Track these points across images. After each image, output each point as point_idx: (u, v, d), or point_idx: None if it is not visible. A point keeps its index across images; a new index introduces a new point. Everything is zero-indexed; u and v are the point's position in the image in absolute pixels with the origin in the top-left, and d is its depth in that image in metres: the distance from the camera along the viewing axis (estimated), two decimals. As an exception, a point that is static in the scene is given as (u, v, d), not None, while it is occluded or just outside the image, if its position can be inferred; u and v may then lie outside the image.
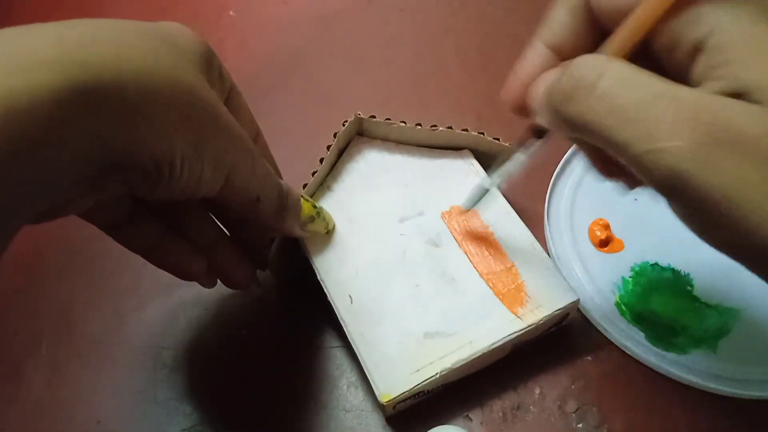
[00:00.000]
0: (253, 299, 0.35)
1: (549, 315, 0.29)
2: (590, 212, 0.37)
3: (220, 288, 0.31)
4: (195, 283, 0.36)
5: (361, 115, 0.33)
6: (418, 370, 0.28)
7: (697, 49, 0.19)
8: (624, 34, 0.20)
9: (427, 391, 0.29)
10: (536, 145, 0.25)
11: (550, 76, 0.21)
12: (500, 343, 0.28)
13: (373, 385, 0.28)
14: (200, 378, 0.33)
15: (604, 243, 0.35)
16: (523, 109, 0.23)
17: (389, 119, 0.34)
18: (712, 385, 0.30)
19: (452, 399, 0.30)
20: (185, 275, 0.29)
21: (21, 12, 0.52)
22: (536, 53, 0.23)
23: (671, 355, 0.31)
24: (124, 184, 0.21)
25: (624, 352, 0.32)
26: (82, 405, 0.32)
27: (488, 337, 0.28)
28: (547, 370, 0.32)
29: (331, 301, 0.30)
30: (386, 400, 0.27)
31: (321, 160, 0.32)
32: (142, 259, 0.28)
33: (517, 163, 0.27)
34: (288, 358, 0.33)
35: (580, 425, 0.30)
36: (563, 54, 0.23)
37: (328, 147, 0.32)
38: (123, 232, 0.27)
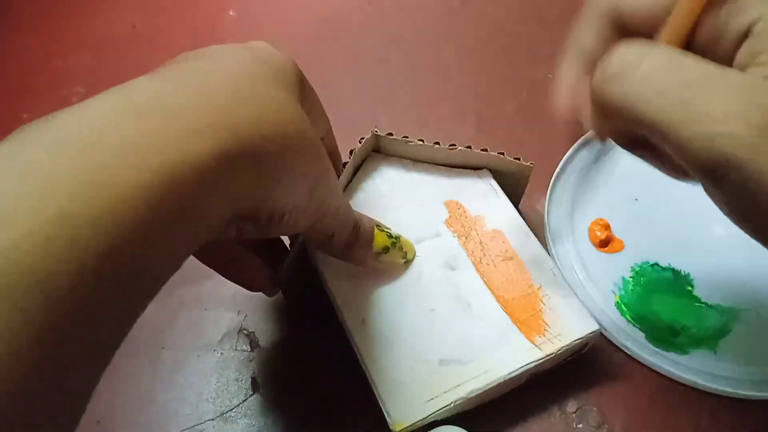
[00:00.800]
0: (254, 300, 0.35)
1: (568, 345, 0.28)
2: (590, 212, 0.37)
3: (220, 288, 0.31)
4: (195, 283, 0.36)
5: (378, 132, 0.33)
6: (431, 399, 0.27)
7: (743, 37, 0.18)
8: (672, 26, 0.19)
9: (440, 420, 0.27)
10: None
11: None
12: (517, 372, 0.27)
13: (385, 413, 0.27)
14: (201, 378, 0.33)
15: (605, 243, 0.35)
16: (574, 120, 0.23)
17: (407, 137, 0.33)
18: (712, 385, 0.30)
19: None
20: (254, 287, 0.29)
21: (21, 11, 0.52)
22: (570, 69, 0.23)
23: (672, 356, 0.31)
24: (236, 232, 0.21)
25: (624, 352, 0.32)
26: (82, 405, 0.32)
27: (505, 366, 0.27)
28: (547, 370, 0.32)
29: (343, 323, 0.29)
30: (398, 429, 0.26)
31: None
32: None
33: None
34: (289, 359, 0.33)
35: (580, 425, 0.30)
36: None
37: (344, 164, 0.31)
38: (206, 251, 0.26)
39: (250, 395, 0.32)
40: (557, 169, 0.38)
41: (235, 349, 0.34)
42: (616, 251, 0.35)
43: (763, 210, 0.17)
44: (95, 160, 0.15)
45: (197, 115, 0.17)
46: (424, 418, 0.26)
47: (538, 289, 0.30)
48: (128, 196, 0.15)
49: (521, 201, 0.36)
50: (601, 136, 0.23)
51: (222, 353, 0.34)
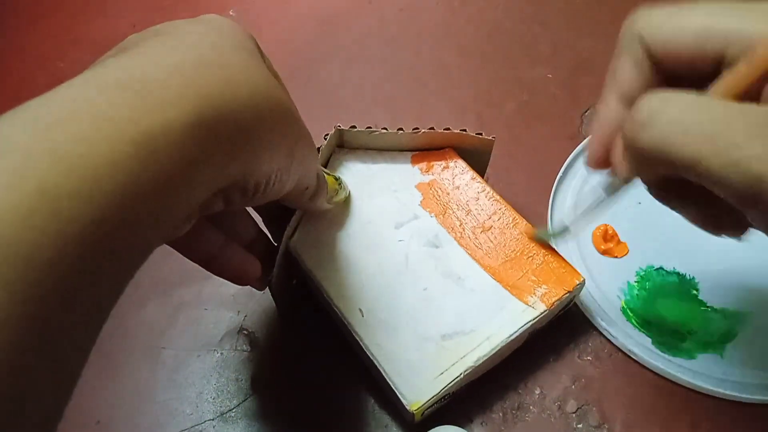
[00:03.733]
0: (254, 300, 0.35)
1: (559, 299, 0.29)
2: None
3: (220, 288, 0.31)
4: (195, 283, 0.36)
5: (341, 127, 0.33)
6: (441, 374, 0.27)
7: None
8: (727, 85, 0.20)
9: (452, 393, 0.28)
10: (623, 188, 0.25)
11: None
12: (517, 334, 0.29)
13: (399, 395, 0.27)
14: (201, 378, 0.33)
15: (609, 248, 0.35)
16: (610, 166, 0.24)
17: (370, 127, 0.33)
18: (721, 390, 0.30)
19: (452, 399, 0.30)
20: (242, 281, 0.29)
21: (21, 11, 0.52)
22: (610, 109, 0.23)
23: (679, 360, 0.31)
24: (223, 203, 0.21)
25: (624, 352, 0.32)
26: (82, 405, 0.32)
27: (505, 330, 0.29)
28: (547, 370, 0.32)
29: (342, 317, 0.29)
30: (415, 408, 0.27)
31: None
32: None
33: (603, 207, 0.27)
34: (289, 358, 0.33)
35: (580, 425, 0.30)
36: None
37: None
38: (186, 243, 0.26)
39: (250, 395, 0.32)
40: (560, 174, 0.38)
41: (235, 349, 0.34)
42: (621, 256, 0.35)
43: None
44: (70, 133, 0.15)
45: (167, 86, 0.17)
46: (438, 393, 0.27)
47: (521, 252, 0.31)
48: (107, 167, 0.15)
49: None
50: (628, 178, 0.23)
51: (222, 353, 0.34)
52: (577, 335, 0.33)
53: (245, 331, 0.34)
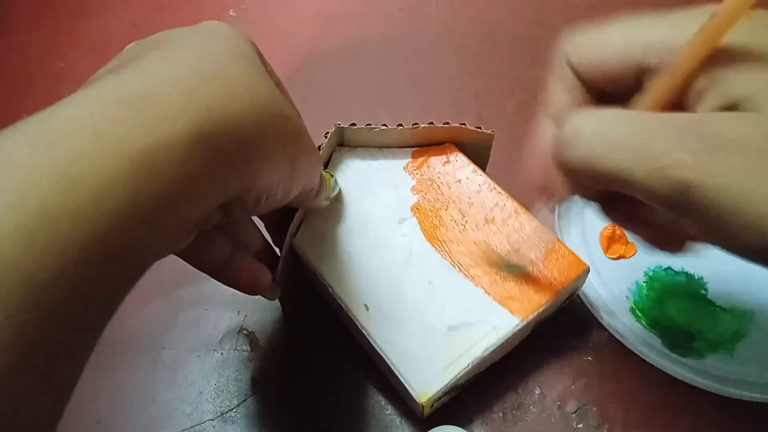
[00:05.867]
0: (254, 300, 0.35)
1: (564, 288, 0.30)
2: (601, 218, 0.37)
3: (221, 288, 0.31)
4: (195, 283, 0.36)
5: (341, 125, 0.33)
6: (450, 365, 0.28)
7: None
8: (650, 97, 0.20)
9: (461, 384, 0.29)
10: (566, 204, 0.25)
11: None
12: (523, 324, 0.29)
13: (408, 388, 0.27)
14: (201, 378, 0.33)
15: (617, 249, 0.35)
16: (547, 188, 0.24)
17: (370, 124, 0.33)
18: (733, 390, 0.30)
19: (452, 399, 0.30)
20: (253, 290, 0.28)
21: (21, 11, 0.52)
22: (544, 130, 0.24)
23: (689, 361, 0.31)
24: (222, 215, 0.20)
25: (625, 352, 0.32)
26: (82, 405, 0.32)
27: (511, 319, 0.29)
28: (547, 370, 0.32)
29: (348, 313, 0.30)
30: (424, 400, 0.27)
31: None
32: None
33: (544, 217, 0.28)
34: (289, 358, 0.33)
35: (580, 425, 0.30)
36: None
37: None
38: (193, 250, 0.25)
39: (250, 395, 0.32)
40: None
41: (235, 349, 0.34)
42: (629, 256, 0.35)
43: (730, 226, 0.17)
44: (73, 151, 0.15)
45: (167, 102, 0.17)
46: (447, 384, 0.27)
47: (524, 241, 0.31)
48: (108, 185, 0.15)
49: (487, 167, 0.36)
50: (565, 199, 0.24)
51: (222, 353, 0.34)
52: (578, 335, 0.33)
53: (245, 331, 0.34)
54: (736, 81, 0.18)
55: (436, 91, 0.45)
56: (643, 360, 0.31)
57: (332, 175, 0.31)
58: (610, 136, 0.19)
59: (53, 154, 0.14)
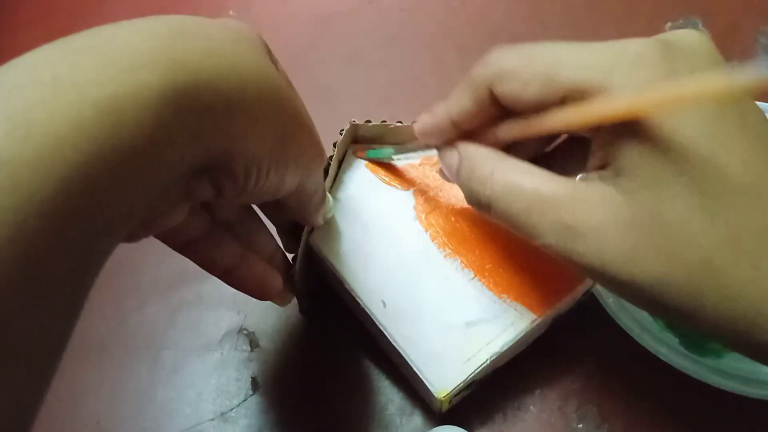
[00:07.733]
0: (254, 300, 0.35)
1: (582, 284, 0.29)
2: None
3: (220, 288, 0.31)
4: (195, 283, 0.36)
5: (356, 122, 0.33)
6: (468, 360, 0.28)
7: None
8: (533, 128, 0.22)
9: (478, 380, 0.29)
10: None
11: (454, 158, 0.25)
12: (540, 320, 0.29)
13: (427, 384, 0.27)
14: (201, 378, 0.33)
15: None
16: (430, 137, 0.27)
17: (385, 121, 0.33)
18: (755, 391, 0.29)
19: (467, 396, 0.30)
20: (262, 295, 0.28)
21: (21, 11, 0.52)
22: (439, 118, 0.27)
23: (707, 360, 0.31)
24: (213, 189, 0.20)
25: (628, 351, 0.32)
26: (82, 405, 0.32)
27: (528, 315, 0.29)
28: (547, 369, 0.32)
29: (365, 309, 0.29)
30: (443, 396, 0.27)
31: (325, 171, 0.32)
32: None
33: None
34: (289, 359, 0.33)
35: (580, 425, 0.30)
36: (461, 127, 0.26)
37: (330, 157, 0.32)
38: (201, 251, 0.25)
39: (250, 395, 0.32)
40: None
41: (235, 349, 0.34)
42: None
43: (620, 289, 0.21)
44: (29, 99, 0.14)
45: (139, 50, 0.16)
46: (465, 380, 0.27)
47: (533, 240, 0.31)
48: (69, 134, 0.14)
49: None
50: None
51: (222, 353, 0.34)
52: (581, 334, 0.33)
53: (245, 331, 0.34)
54: (624, 157, 0.20)
55: (436, 91, 0.45)
56: (645, 360, 0.31)
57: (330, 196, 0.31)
58: (506, 209, 0.22)
59: (8, 103, 0.14)
